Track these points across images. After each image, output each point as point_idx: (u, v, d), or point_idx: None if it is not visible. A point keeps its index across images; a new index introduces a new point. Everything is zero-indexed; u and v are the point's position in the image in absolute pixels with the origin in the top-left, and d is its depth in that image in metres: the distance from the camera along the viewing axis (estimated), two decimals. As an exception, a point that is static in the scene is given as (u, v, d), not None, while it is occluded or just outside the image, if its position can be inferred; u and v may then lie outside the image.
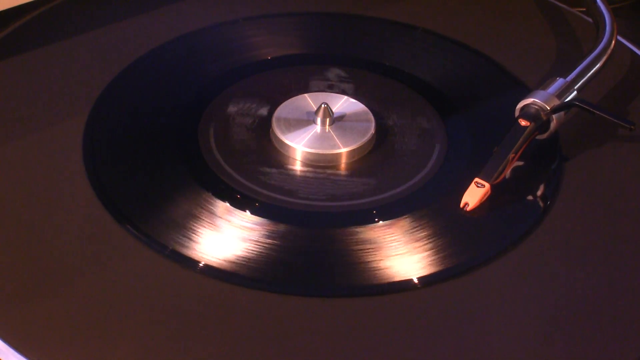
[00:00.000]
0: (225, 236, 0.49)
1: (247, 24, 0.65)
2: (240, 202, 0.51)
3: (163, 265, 0.47)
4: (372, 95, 0.59)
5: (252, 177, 0.52)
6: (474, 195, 0.50)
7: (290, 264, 0.47)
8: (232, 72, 0.61)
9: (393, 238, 0.49)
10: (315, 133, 0.55)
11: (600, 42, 0.59)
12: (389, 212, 0.51)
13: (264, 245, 0.48)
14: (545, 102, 0.54)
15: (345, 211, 0.51)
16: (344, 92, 0.58)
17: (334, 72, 0.61)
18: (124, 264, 0.47)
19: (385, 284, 0.46)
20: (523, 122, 0.53)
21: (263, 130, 0.56)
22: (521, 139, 0.52)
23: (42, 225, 0.48)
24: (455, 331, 0.44)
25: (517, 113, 0.55)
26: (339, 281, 0.47)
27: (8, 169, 0.52)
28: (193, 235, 0.48)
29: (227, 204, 0.50)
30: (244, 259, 0.47)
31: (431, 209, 0.51)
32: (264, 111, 0.57)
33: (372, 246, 0.48)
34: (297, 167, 0.54)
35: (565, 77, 0.56)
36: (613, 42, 0.59)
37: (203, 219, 0.49)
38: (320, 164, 0.54)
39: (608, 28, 0.60)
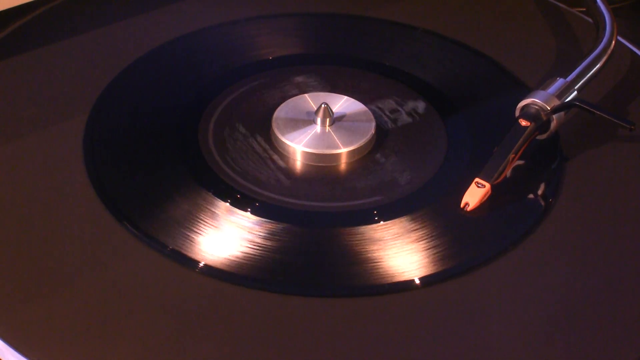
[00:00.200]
0: (225, 236, 0.49)
1: (247, 24, 0.65)
2: (240, 202, 0.51)
3: (163, 264, 0.47)
4: (372, 95, 0.59)
5: (252, 177, 0.52)
6: (474, 195, 0.50)
7: (290, 264, 0.47)
8: (232, 72, 0.61)
9: (393, 238, 0.49)
10: (315, 133, 0.55)
11: (600, 42, 0.59)
12: (389, 212, 0.50)
13: (264, 245, 0.48)
14: (546, 102, 0.54)
15: (345, 211, 0.51)
16: (344, 92, 0.58)
17: (333, 72, 0.61)
18: (124, 264, 0.47)
19: (385, 284, 0.46)
20: (523, 122, 0.53)
21: (263, 130, 0.56)
22: (521, 139, 0.52)
23: (42, 225, 0.48)
24: (456, 331, 0.44)
25: (517, 113, 0.55)
26: (339, 281, 0.47)
27: (8, 169, 0.52)
28: (193, 235, 0.48)
29: (227, 204, 0.50)
30: (243, 258, 0.47)
31: (431, 209, 0.51)
32: (264, 111, 0.57)
33: (372, 246, 0.48)
34: (297, 167, 0.54)
35: (565, 77, 0.56)
36: (613, 42, 0.59)
37: (203, 219, 0.49)
38: (320, 164, 0.54)
39: (608, 28, 0.60)
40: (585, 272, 0.48)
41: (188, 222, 0.49)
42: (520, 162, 0.53)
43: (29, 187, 0.51)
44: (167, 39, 0.63)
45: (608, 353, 0.44)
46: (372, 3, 0.68)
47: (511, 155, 0.52)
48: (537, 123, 0.53)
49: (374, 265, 0.47)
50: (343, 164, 0.54)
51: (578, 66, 0.57)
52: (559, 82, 0.55)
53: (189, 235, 0.48)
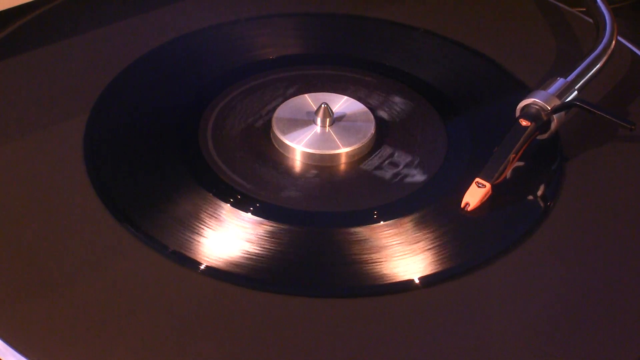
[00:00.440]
0: (226, 236, 0.49)
1: (247, 24, 0.65)
2: (241, 202, 0.51)
3: (163, 265, 0.47)
4: (372, 95, 0.59)
5: (252, 177, 0.52)
6: (474, 195, 0.50)
7: (290, 264, 0.47)
8: (232, 72, 0.61)
9: (393, 238, 0.49)
10: (315, 133, 0.55)
11: (600, 42, 0.59)
12: (390, 212, 0.50)
13: (264, 245, 0.48)
14: (546, 102, 0.54)
15: (345, 211, 0.51)
16: (344, 92, 0.58)
17: (333, 72, 0.61)
18: (124, 264, 0.47)
19: (385, 284, 0.46)
20: (524, 122, 0.53)
21: (263, 130, 0.56)
22: (522, 139, 0.52)
23: (42, 226, 0.48)
24: (456, 331, 0.44)
25: (517, 113, 0.55)
26: (339, 281, 0.47)
27: (8, 169, 0.52)
28: (193, 235, 0.48)
29: (228, 204, 0.50)
30: (244, 258, 0.47)
31: (431, 209, 0.51)
32: (264, 111, 0.57)
33: (372, 246, 0.48)
34: (297, 167, 0.54)
35: (565, 77, 0.56)
36: (613, 42, 0.59)
37: (203, 219, 0.49)
38: (320, 164, 0.54)
39: (608, 28, 0.60)
40: (585, 273, 0.48)
41: (188, 222, 0.49)
42: (521, 162, 0.53)
43: (29, 187, 0.51)
44: (167, 39, 0.63)
45: (608, 353, 0.44)
46: (372, 3, 0.68)
47: (511, 155, 0.52)
48: (537, 123, 0.53)
49: (374, 266, 0.47)
50: (343, 164, 0.54)
51: (578, 66, 0.57)
52: (559, 82, 0.55)
53: (189, 236, 0.48)
